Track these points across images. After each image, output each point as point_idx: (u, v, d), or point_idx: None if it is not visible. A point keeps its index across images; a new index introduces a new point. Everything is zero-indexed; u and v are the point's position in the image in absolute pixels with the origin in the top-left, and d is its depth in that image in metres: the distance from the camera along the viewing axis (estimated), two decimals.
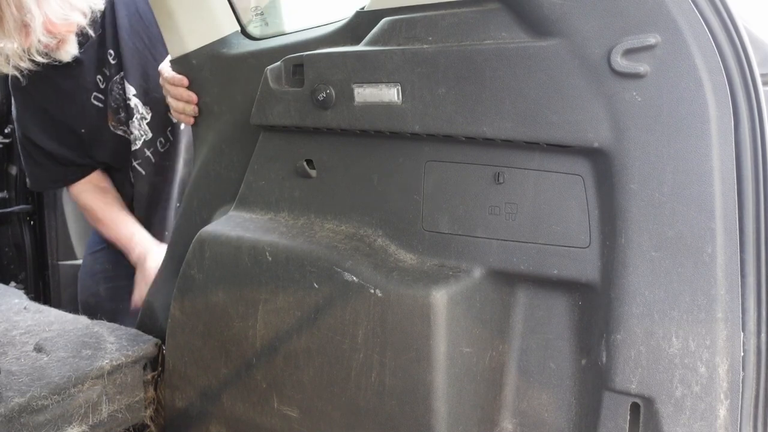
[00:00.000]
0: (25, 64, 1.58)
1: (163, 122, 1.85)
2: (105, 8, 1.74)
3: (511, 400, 1.10)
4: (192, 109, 1.46)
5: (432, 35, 1.04)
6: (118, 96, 1.83)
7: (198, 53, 1.41)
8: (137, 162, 1.87)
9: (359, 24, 1.18)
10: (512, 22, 0.98)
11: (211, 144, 1.45)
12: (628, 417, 0.95)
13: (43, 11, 1.49)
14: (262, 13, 1.45)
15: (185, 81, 1.45)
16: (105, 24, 1.75)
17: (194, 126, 1.50)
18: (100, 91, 1.82)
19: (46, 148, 1.87)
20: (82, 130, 1.85)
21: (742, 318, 0.90)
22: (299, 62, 1.18)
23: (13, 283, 2.54)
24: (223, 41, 1.40)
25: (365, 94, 1.10)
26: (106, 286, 2.03)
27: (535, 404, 1.08)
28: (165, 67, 1.50)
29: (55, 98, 1.82)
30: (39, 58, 1.59)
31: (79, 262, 2.38)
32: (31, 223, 2.61)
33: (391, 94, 1.07)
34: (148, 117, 1.84)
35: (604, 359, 0.96)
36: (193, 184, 1.49)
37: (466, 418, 1.06)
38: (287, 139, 1.25)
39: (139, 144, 1.85)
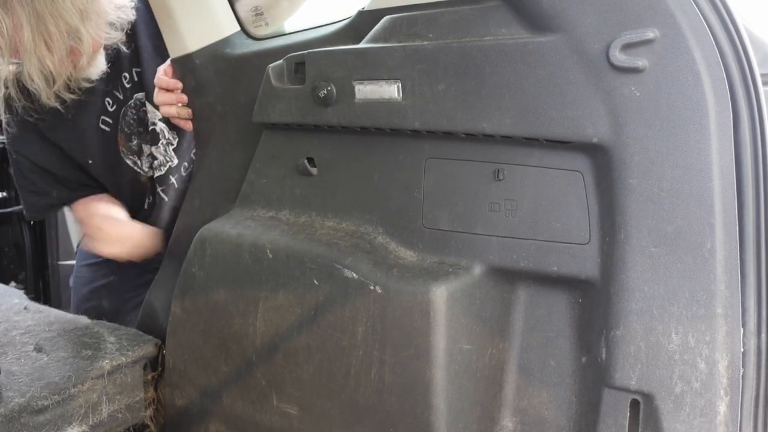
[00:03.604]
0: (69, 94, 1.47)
1: (188, 146, 1.75)
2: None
3: (511, 398, 1.09)
4: (186, 111, 1.46)
5: (432, 32, 1.05)
6: (132, 121, 1.72)
7: (201, 53, 1.41)
8: (161, 189, 1.77)
9: (361, 23, 1.18)
10: (511, 18, 0.98)
11: (213, 143, 1.45)
12: (628, 414, 0.95)
13: (89, 32, 1.42)
14: (262, 14, 1.45)
15: (179, 84, 1.44)
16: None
17: (196, 126, 1.50)
18: (108, 114, 1.70)
19: (48, 168, 1.68)
20: (89, 161, 1.70)
21: (743, 317, 0.89)
22: (301, 60, 1.18)
23: (13, 283, 2.54)
24: (226, 41, 1.40)
25: (366, 91, 1.10)
26: (111, 299, 1.92)
27: (536, 402, 1.07)
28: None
29: (58, 125, 1.64)
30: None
31: None
32: (31, 223, 2.61)
33: (391, 90, 1.07)
34: (175, 142, 1.72)
35: (603, 356, 0.96)
36: (195, 182, 1.50)
37: (466, 416, 1.06)
38: (289, 137, 1.25)
39: (163, 170, 1.74)
